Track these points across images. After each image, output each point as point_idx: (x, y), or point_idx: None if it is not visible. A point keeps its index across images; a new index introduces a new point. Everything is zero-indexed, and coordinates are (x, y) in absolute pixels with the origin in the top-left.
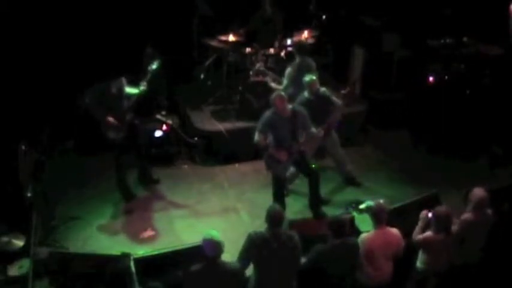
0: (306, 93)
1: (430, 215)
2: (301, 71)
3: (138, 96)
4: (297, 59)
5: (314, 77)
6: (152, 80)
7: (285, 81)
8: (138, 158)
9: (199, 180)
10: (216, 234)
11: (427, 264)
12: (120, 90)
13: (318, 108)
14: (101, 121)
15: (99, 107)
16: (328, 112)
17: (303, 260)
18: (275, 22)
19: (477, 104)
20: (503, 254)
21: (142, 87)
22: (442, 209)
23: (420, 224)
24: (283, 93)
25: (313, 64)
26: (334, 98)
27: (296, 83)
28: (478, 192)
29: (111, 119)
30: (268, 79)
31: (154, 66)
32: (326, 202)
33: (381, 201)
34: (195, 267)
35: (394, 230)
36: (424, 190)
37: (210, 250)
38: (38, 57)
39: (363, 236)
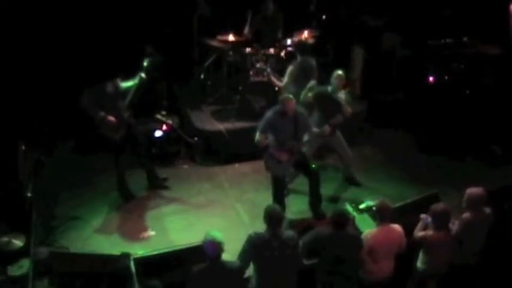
0: (329, 88)
1: (429, 220)
2: (302, 70)
3: (137, 87)
4: (299, 58)
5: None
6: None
7: (285, 79)
8: (140, 159)
9: (199, 180)
10: (217, 234)
11: (427, 264)
12: (116, 89)
13: (330, 106)
14: (100, 121)
15: (97, 108)
16: (334, 113)
17: (300, 241)
18: (276, 22)
19: (477, 104)
20: (504, 254)
21: (140, 77)
22: (439, 205)
23: (420, 223)
24: (291, 96)
25: (314, 64)
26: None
27: (297, 81)
28: (472, 190)
29: (110, 118)
30: (269, 70)
31: (145, 63)
32: (326, 202)
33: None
34: (197, 267)
35: (397, 227)
36: (424, 190)
37: (211, 251)
38: (38, 56)
39: (366, 232)
